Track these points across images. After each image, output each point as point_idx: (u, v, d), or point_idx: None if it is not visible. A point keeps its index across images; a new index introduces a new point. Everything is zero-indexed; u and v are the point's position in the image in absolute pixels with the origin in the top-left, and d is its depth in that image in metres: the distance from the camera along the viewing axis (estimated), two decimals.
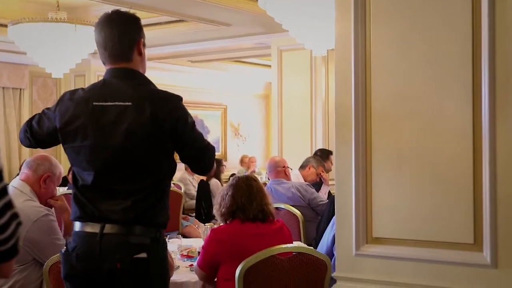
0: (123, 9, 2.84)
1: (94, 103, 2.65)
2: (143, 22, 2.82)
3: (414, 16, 2.76)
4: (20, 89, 11.07)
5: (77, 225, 2.66)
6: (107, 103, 2.63)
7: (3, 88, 10.73)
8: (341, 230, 2.94)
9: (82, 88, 2.78)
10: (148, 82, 2.74)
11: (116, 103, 2.62)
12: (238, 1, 7.44)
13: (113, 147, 2.61)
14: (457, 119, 2.68)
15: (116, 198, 2.61)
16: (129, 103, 2.61)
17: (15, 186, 3.64)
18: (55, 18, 6.63)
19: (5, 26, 6.86)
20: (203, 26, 8.64)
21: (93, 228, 2.60)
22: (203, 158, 2.82)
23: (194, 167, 2.90)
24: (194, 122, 2.73)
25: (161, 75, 11.79)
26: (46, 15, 6.74)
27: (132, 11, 2.83)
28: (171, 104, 2.65)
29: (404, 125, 2.79)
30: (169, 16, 8.20)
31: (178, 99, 2.69)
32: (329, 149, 7.63)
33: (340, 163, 2.95)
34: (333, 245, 3.80)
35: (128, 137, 2.59)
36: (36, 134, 2.81)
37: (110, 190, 2.64)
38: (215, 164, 2.94)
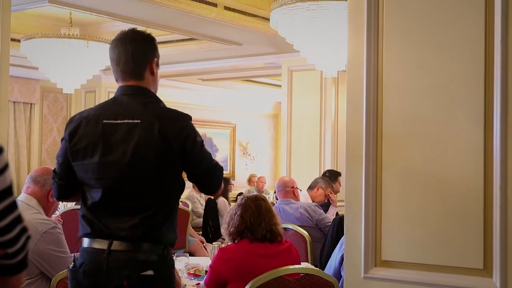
0: (139, 28, 2.85)
1: (104, 121, 2.64)
2: None
3: (426, 37, 2.76)
4: (31, 104, 11.13)
5: (85, 241, 2.65)
6: (117, 121, 2.63)
7: (14, 102, 10.78)
8: (350, 252, 2.92)
9: (91, 108, 2.77)
10: (158, 101, 2.73)
11: (126, 120, 2.62)
12: (250, 21, 7.47)
13: (122, 164, 2.60)
14: (468, 141, 2.67)
15: (124, 215, 2.60)
16: (138, 121, 2.60)
17: (22, 200, 3.65)
18: (67, 34, 6.68)
19: (18, 41, 6.91)
20: (215, 45, 8.67)
21: (101, 244, 2.59)
22: (211, 178, 2.81)
23: (202, 186, 2.87)
24: (202, 141, 2.72)
25: (171, 92, 11.84)
26: (59, 31, 6.79)
27: (148, 31, 2.84)
28: (180, 123, 2.65)
29: (415, 147, 2.78)
30: (181, 34, 8.23)
31: (187, 118, 2.68)
32: (338, 170, 7.62)
33: (350, 185, 2.93)
34: (341, 266, 3.77)
35: (136, 154, 2.59)
36: (58, 168, 2.75)
37: (118, 207, 2.62)
38: (222, 184, 2.92)
